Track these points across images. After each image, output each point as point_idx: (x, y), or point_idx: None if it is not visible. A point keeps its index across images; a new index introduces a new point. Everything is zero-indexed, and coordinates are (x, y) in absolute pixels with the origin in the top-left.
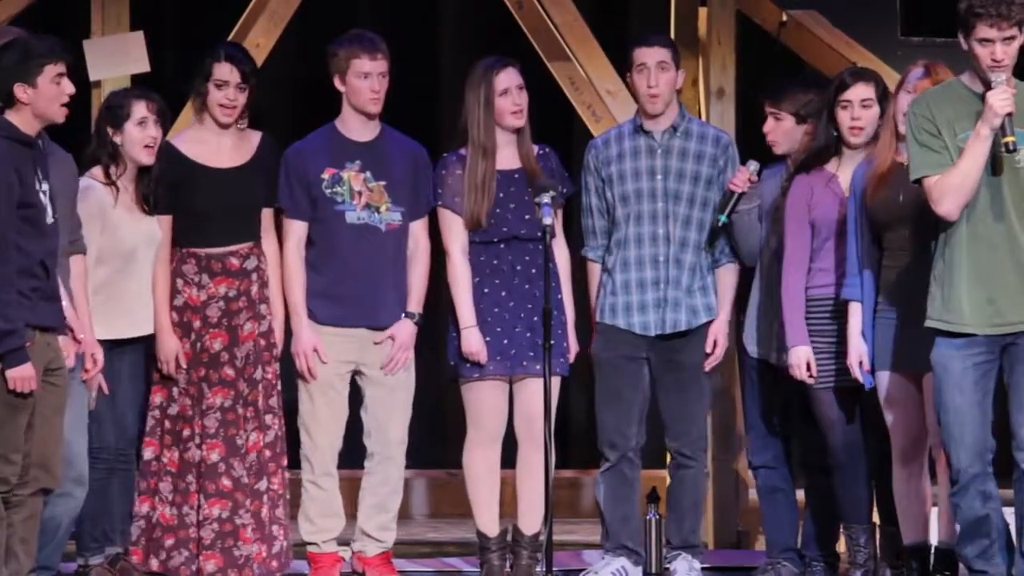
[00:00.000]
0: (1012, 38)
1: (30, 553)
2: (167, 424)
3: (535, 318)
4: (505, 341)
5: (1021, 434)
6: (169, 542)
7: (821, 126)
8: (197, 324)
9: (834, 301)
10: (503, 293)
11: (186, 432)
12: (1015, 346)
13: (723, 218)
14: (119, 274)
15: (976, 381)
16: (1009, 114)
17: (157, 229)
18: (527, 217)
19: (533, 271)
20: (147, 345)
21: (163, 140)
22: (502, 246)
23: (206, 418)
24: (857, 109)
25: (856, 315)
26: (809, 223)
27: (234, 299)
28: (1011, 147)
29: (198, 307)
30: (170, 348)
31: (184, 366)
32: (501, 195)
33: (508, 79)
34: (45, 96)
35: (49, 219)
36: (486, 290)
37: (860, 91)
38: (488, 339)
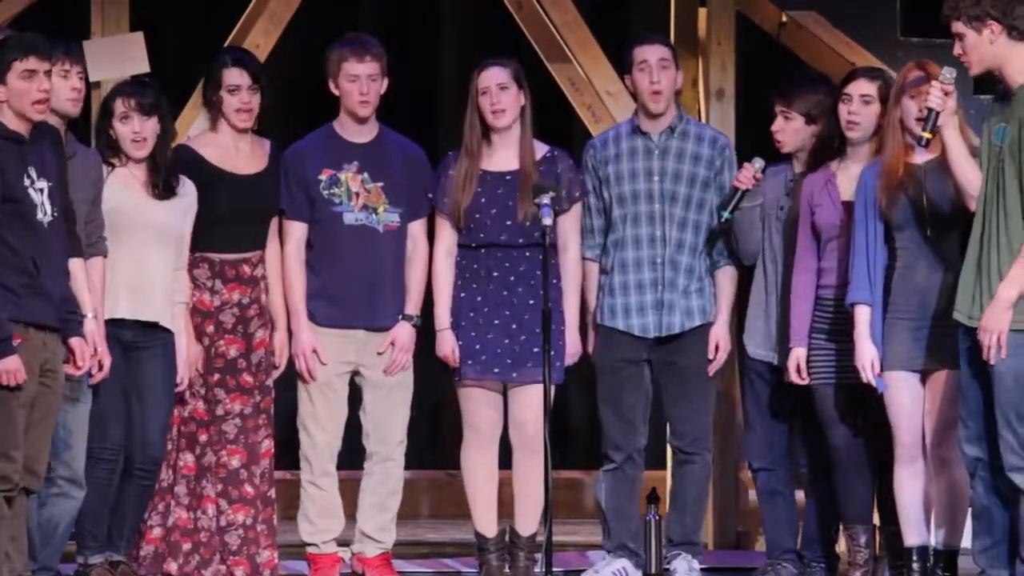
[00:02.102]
0: (959, 35)
1: (21, 550)
2: (181, 428)
3: (513, 326)
4: (477, 347)
5: None
6: (187, 546)
7: (826, 123)
8: (210, 329)
9: (837, 300)
10: (479, 299)
11: (203, 437)
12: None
13: (726, 214)
14: (112, 245)
15: (971, 367)
16: (935, 111)
17: (171, 219)
18: (508, 223)
19: (511, 278)
20: (171, 350)
21: (161, 130)
22: (482, 251)
23: (224, 423)
24: (855, 104)
25: (864, 318)
26: (811, 224)
27: (247, 306)
28: (921, 142)
29: (211, 312)
30: (193, 353)
31: (200, 369)
32: (483, 199)
33: (488, 78)
34: (15, 92)
35: (44, 217)
36: (463, 294)
37: (861, 86)
38: (461, 343)
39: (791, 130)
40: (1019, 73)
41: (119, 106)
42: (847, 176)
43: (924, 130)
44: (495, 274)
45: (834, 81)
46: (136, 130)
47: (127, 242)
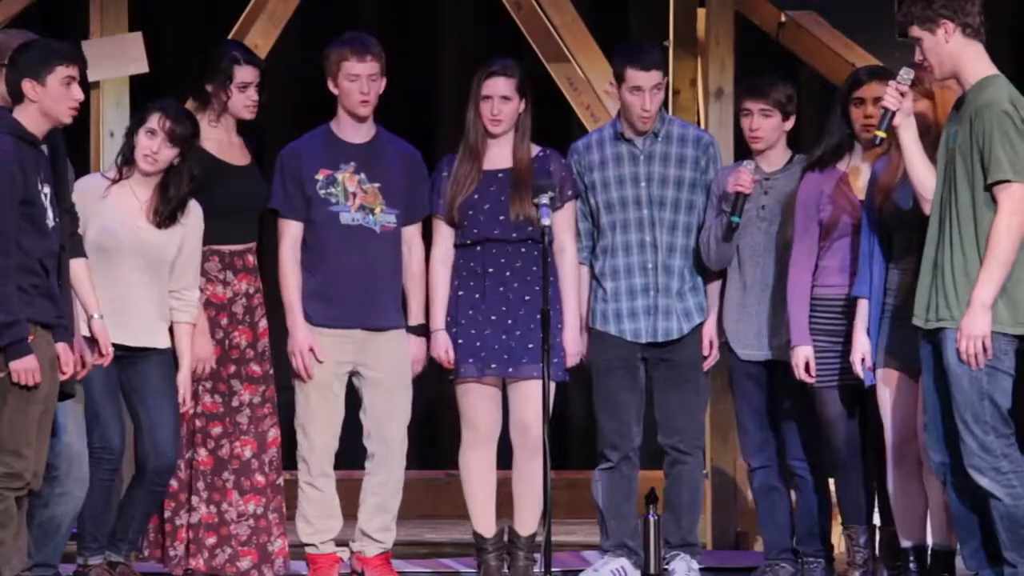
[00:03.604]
0: (917, 39)
1: (21, 549)
2: (196, 423)
3: (509, 321)
4: (477, 344)
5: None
6: (211, 540)
7: (834, 123)
8: (224, 321)
9: (842, 300)
10: (476, 295)
11: (216, 430)
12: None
13: (736, 219)
14: (96, 271)
15: (929, 371)
16: (890, 112)
17: (165, 245)
18: (501, 218)
19: (507, 274)
20: (167, 358)
21: (179, 164)
22: (477, 248)
23: (238, 415)
24: (870, 107)
25: (864, 312)
26: (818, 222)
27: (253, 295)
28: (875, 140)
29: (224, 304)
30: (208, 350)
31: (208, 368)
32: (476, 196)
33: (491, 87)
34: (52, 95)
35: (50, 221)
36: (461, 292)
37: (874, 89)
38: (461, 341)
39: (770, 127)
40: (971, 75)
41: (154, 120)
42: (858, 176)
43: (878, 129)
44: (491, 270)
45: (831, 81)
46: (154, 149)
47: (115, 265)
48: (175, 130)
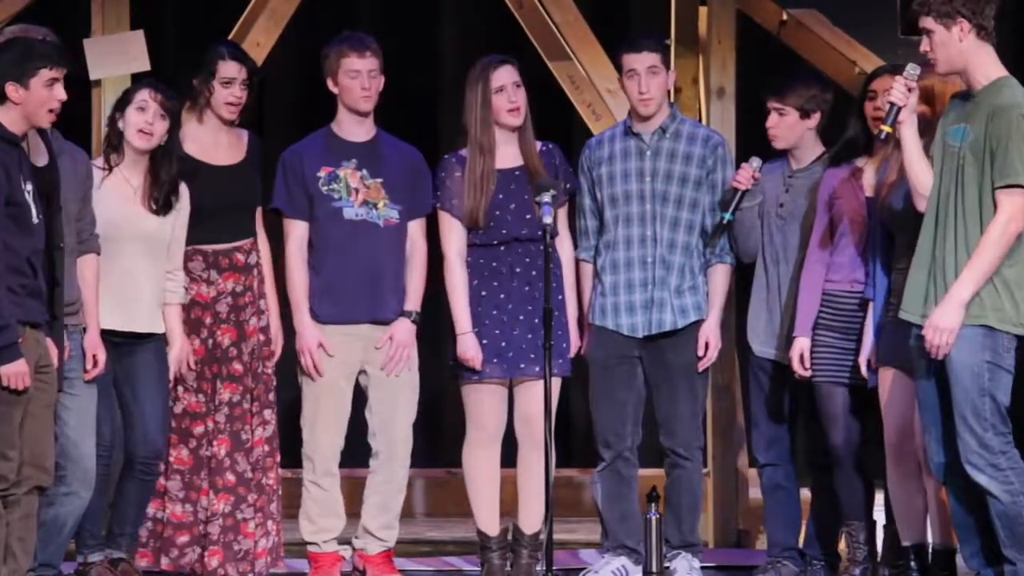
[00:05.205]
0: (928, 31)
1: (28, 552)
2: (172, 423)
3: (536, 320)
4: (503, 344)
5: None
6: (183, 539)
7: (853, 119)
8: (208, 320)
9: (846, 298)
10: (502, 296)
11: (198, 429)
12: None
13: (728, 216)
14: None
15: (926, 369)
16: (896, 107)
17: (162, 229)
18: (528, 217)
19: (533, 273)
20: (161, 346)
21: (168, 138)
22: (502, 248)
23: (218, 413)
24: (880, 99)
25: (871, 313)
26: (829, 217)
27: (241, 294)
28: (880, 135)
29: (208, 303)
30: (184, 350)
31: (193, 365)
32: (500, 196)
33: (504, 76)
34: (35, 99)
35: (34, 219)
36: (484, 293)
37: (887, 83)
38: (485, 342)
39: (785, 125)
40: (983, 75)
41: (143, 95)
42: (871, 173)
43: (884, 123)
44: (518, 270)
45: (833, 79)
46: (148, 120)
47: (116, 253)
48: (166, 102)
